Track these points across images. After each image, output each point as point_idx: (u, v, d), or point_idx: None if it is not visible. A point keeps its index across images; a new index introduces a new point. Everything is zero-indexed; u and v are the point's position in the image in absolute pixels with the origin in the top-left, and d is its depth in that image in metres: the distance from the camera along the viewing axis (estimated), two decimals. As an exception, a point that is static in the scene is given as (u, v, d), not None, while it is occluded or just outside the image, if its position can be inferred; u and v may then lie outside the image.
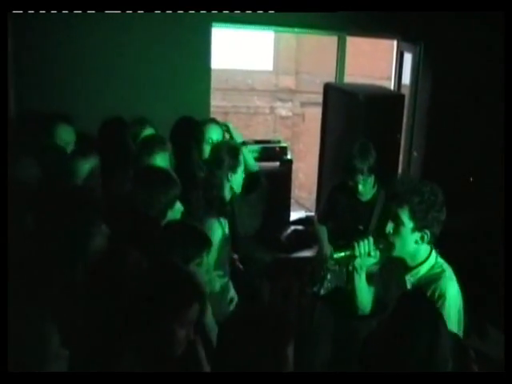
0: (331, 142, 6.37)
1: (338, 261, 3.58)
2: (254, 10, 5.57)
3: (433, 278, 3.16)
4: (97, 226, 2.96)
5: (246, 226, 5.21)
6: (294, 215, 6.89)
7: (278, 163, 6.57)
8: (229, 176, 4.30)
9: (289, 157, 6.71)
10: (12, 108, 5.58)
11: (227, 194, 4.37)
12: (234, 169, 4.31)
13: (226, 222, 4.27)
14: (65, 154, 4.42)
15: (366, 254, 3.29)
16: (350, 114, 5.93)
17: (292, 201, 7.03)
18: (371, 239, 3.30)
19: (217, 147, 4.59)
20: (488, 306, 4.38)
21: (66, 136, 4.72)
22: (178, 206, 3.63)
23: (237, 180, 4.36)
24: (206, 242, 3.22)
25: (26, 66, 5.63)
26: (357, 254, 3.29)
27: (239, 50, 13.88)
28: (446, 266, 3.25)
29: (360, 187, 4.77)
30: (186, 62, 6.08)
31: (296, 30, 6.93)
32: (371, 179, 4.78)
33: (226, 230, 4.22)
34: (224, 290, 4.15)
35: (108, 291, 2.73)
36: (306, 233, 6.26)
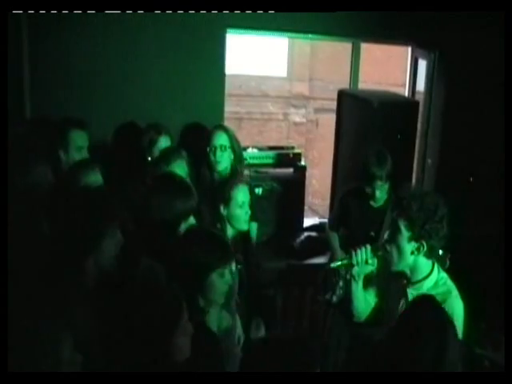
0: (345, 148, 6.36)
1: (336, 270, 3.56)
2: (266, 11, 5.52)
3: (439, 299, 3.05)
4: (111, 228, 2.96)
5: (260, 232, 5.20)
6: (308, 222, 6.88)
7: (291, 170, 6.56)
8: (221, 209, 4.16)
9: (302, 163, 6.70)
10: (27, 112, 5.62)
11: (223, 227, 4.16)
12: (225, 202, 4.16)
13: None
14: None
15: (364, 262, 3.27)
16: (364, 120, 5.92)
17: (305, 207, 7.02)
18: (369, 247, 3.29)
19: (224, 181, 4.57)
20: (501, 316, 4.35)
21: (79, 141, 4.73)
22: (192, 220, 3.59)
23: (232, 215, 4.16)
24: (228, 252, 3.21)
25: (42, 71, 5.66)
26: (354, 262, 3.28)
27: (253, 56, 13.90)
28: (450, 283, 3.22)
29: (377, 193, 4.77)
30: (201, 68, 6.08)
31: (310, 36, 6.93)
32: (387, 186, 4.78)
33: None
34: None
35: (117, 296, 2.74)
36: (320, 239, 6.24)
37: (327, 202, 7.15)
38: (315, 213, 11.58)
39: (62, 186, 4.08)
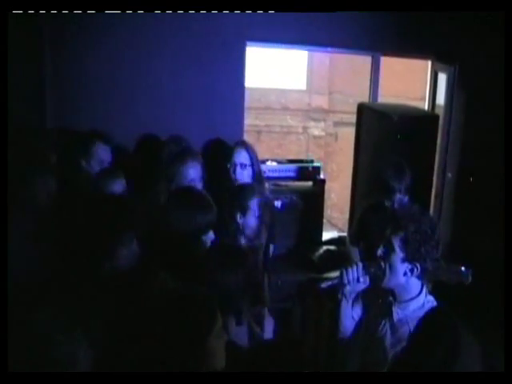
0: (364, 162, 6.35)
1: (327, 290, 3.48)
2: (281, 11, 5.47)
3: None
4: (126, 237, 2.95)
5: (279, 245, 5.20)
6: (327, 235, 6.86)
7: (310, 183, 6.56)
8: (238, 218, 4.19)
9: (321, 176, 6.69)
10: (48, 124, 5.67)
11: (238, 237, 4.21)
12: (243, 211, 4.20)
13: None
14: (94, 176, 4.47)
15: (355, 280, 3.21)
16: (384, 134, 5.90)
17: (324, 221, 7.01)
18: (360, 264, 3.23)
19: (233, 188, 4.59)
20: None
21: (103, 155, 4.79)
22: (211, 235, 3.51)
23: (248, 224, 4.22)
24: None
25: (63, 84, 5.71)
26: (345, 281, 3.22)
27: (273, 69, 13.93)
28: (436, 304, 3.18)
29: (396, 207, 4.73)
30: (221, 81, 6.11)
31: (329, 49, 6.94)
32: (406, 199, 4.75)
33: None
34: None
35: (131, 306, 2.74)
36: (339, 253, 6.22)
37: (346, 215, 7.14)
38: (334, 226, 11.55)
39: (84, 191, 4.13)
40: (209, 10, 5.37)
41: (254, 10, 5.39)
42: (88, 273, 2.81)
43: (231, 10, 5.40)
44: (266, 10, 5.38)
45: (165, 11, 5.24)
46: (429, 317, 2.59)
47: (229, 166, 5.01)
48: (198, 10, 5.32)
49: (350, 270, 3.21)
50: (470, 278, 3.31)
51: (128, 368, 2.46)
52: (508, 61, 4.31)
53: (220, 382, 2.34)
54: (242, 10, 5.39)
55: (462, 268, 3.21)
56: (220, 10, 5.40)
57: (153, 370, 2.38)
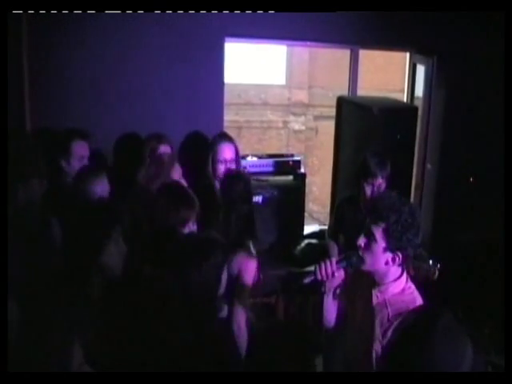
0: (345, 155, 6.36)
1: (310, 285, 3.48)
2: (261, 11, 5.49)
3: (403, 307, 3.08)
4: (113, 237, 2.95)
5: (260, 240, 5.18)
6: (308, 229, 6.87)
7: (291, 177, 6.56)
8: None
9: (302, 170, 6.69)
10: (27, 125, 5.62)
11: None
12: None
13: None
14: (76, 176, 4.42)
15: (330, 276, 3.21)
16: (364, 127, 5.92)
17: (306, 214, 7.02)
18: (333, 260, 3.24)
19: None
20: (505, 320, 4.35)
21: (81, 151, 4.76)
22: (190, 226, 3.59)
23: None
24: None
25: (42, 82, 5.66)
26: (319, 278, 3.21)
27: (252, 64, 13.91)
28: (416, 294, 3.19)
29: (368, 193, 4.72)
30: (200, 77, 6.08)
31: (308, 43, 6.93)
32: (385, 185, 4.73)
33: None
34: None
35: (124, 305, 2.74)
36: (320, 247, 6.23)
37: (327, 209, 7.15)
38: (315, 220, 11.57)
39: (68, 193, 4.10)
40: (186, 11, 5.39)
41: (232, 10, 5.41)
42: (78, 276, 2.81)
43: (208, 11, 5.41)
44: (243, 11, 5.40)
45: (145, 11, 5.25)
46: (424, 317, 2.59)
47: (210, 161, 5.00)
48: (175, 11, 5.34)
49: (323, 266, 3.20)
50: (437, 274, 3.32)
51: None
52: (508, 60, 4.34)
53: (220, 382, 2.35)
54: (220, 11, 5.40)
55: (430, 261, 3.22)
56: (197, 11, 5.41)
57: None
